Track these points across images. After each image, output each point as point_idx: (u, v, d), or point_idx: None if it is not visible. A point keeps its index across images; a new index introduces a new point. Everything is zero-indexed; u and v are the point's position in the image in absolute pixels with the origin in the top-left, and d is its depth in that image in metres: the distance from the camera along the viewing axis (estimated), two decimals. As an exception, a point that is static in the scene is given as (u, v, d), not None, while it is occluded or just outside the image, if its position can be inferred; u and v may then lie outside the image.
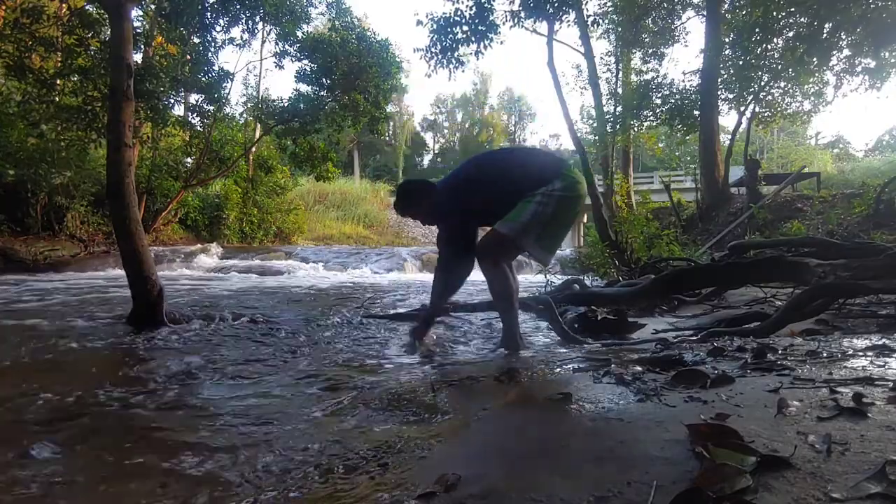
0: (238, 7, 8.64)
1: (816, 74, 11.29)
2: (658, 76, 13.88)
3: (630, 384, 1.27)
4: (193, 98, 10.58)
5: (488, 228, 2.20)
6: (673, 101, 12.89)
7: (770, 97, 12.30)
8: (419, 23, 8.25)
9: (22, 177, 8.40)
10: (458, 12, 7.92)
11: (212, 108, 10.39)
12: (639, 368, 1.44)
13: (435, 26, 8.09)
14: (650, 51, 14.87)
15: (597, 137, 14.88)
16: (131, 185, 2.83)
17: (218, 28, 9.00)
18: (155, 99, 8.20)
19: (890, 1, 8.95)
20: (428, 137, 45.65)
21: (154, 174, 11.02)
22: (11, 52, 6.87)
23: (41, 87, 7.52)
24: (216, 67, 9.50)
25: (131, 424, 1.31)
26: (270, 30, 10.64)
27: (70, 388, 1.59)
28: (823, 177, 15.01)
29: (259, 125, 12.67)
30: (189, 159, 12.05)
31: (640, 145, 18.02)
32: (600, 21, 14.24)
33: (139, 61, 8.23)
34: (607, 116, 13.77)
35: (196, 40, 9.14)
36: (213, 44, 9.20)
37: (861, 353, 1.48)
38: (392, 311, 3.35)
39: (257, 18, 9.58)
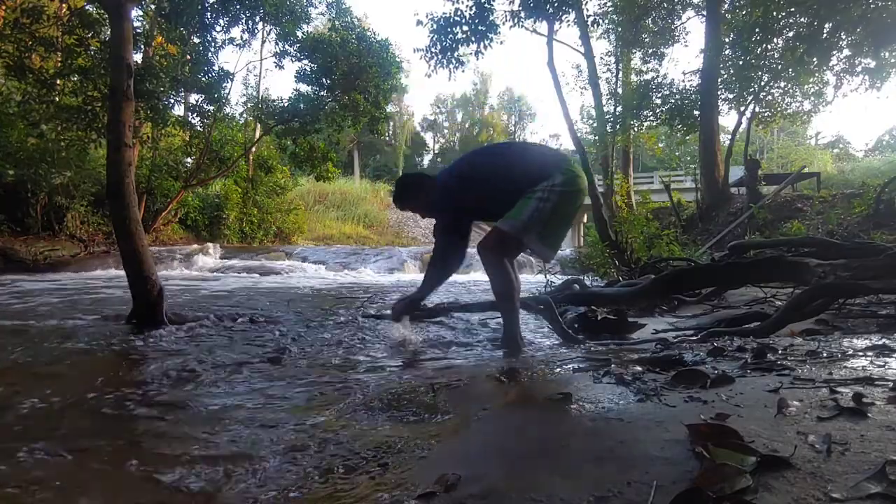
0: (238, 7, 8.65)
1: (816, 74, 11.30)
2: (658, 76, 13.91)
3: (630, 384, 1.27)
4: (193, 98, 10.60)
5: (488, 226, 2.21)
6: (673, 101, 12.90)
7: (770, 97, 12.31)
8: (419, 23, 8.27)
9: (22, 177, 8.41)
10: (458, 12, 7.94)
11: (212, 108, 10.40)
12: (639, 368, 1.44)
13: (435, 26, 8.10)
14: (650, 51, 14.88)
15: (597, 137, 14.90)
16: (131, 185, 2.83)
17: (218, 28, 9.03)
18: (155, 99, 8.21)
19: (890, 1, 8.95)
20: (428, 137, 45.69)
21: (154, 174, 11.02)
22: (11, 52, 6.87)
23: (41, 87, 7.52)
24: (216, 67, 9.52)
25: (129, 425, 1.31)
26: (270, 30, 10.65)
27: (69, 388, 1.59)
28: (823, 177, 15.02)
29: (259, 125, 12.67)
30: (189, 159, 12.06)
31: (640, 145, 18.04)
32: (600, 21, 14.25)
33: (139, 61, 8.24)
34: (607, 116, 13.78)
35: (196, 40, 9.15)
36: (213, 44, 9.22)
37: (861, 353, 1.48)
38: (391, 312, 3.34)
39: (257, 18, 9.60)
